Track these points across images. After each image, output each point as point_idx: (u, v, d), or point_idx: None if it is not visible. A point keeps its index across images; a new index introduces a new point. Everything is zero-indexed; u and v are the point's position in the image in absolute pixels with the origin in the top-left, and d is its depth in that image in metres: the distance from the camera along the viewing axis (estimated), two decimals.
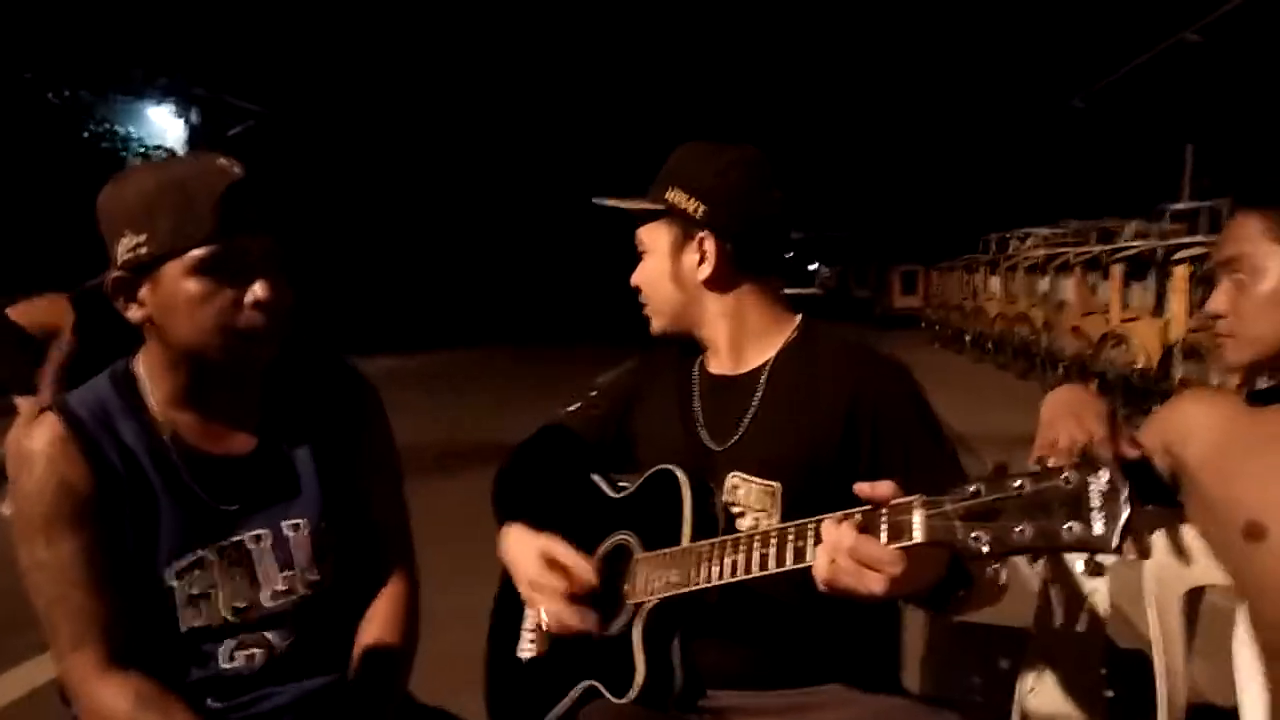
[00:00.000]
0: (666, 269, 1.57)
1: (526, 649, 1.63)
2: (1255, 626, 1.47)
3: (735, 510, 1.50)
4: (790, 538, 1.26)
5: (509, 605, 1.65)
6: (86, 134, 13.68)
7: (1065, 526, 0.96)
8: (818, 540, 1.20)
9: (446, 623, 1.68)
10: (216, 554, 1.36)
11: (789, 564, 1.25)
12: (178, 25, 14.72)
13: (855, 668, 1.51)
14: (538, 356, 13.90)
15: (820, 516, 1.22)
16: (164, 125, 16.22)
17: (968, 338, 15.26)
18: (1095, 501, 0.95)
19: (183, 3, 14.79)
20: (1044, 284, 11.94)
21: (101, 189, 1.31)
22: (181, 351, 1.32)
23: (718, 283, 1.56)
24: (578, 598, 1.46)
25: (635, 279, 1.61)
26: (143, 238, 1.25)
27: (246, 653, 1.38)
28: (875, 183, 43.78)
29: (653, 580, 1.43)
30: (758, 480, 1.50)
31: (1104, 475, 0.96)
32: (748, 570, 1.30)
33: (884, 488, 1.16)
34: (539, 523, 1.59)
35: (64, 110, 13.31)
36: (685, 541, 1.42)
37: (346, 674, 1.44)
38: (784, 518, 1.46)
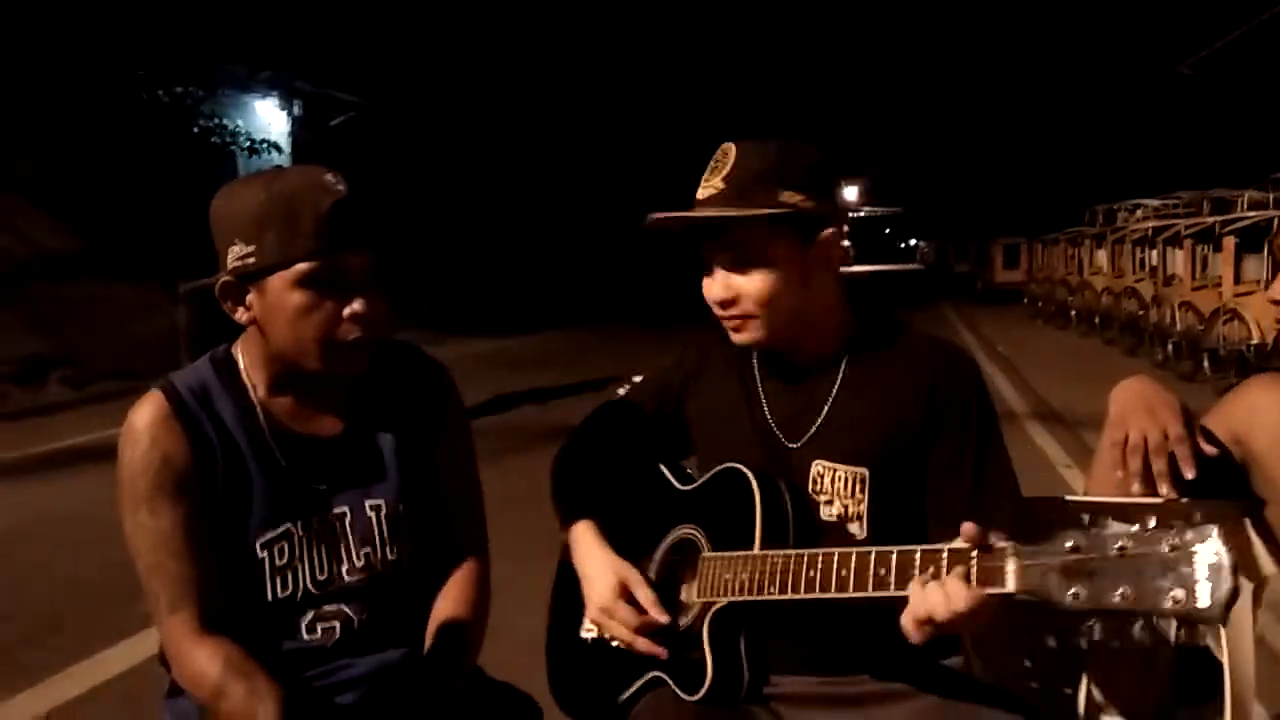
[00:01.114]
0: (794, 277, 1.46)
1: (589, 629, 1.64)
2: None
3: (822, 499, 1.48)
4: (872, 565, 1.25)
5: (570, 584, 1.65)
6: (196, 129, 14.22)
7: (1169, 594, 0.95)
8: (900, 571, 1.22)
9: (519, 600, 1.73)
10: (303, 529, 1.44)
11: (870, 591, 1.25)
12: (281, 20, 15.16)
13: (912, 654, 1.49)
14: (619, 337, 13.96)
15: (902, 548, 1.23)
16: (269, 118, 16.75)
17: (1073, 313, 14.79)
18: (1201, 571, 0.93)
19: None
20: (1153, 257, 11.49)
21: (215, 194, 1.40)
22: (280, 353, 1.40)
23: (832, 279, 1.52)
24: (644, 629, 1.47)
25: (746, 292, 1.45)
26: (251, 249, 1.33)
27: (326, 624, 1.46)
28: (978, 154, 42.63)
29: (722, 581, 1.42)
30: (844, 467, 1.48)
31: (1210, 544, 0.94)
32: (825, 589, 1.29)
33: (973, 529, 1.16)
34: (602, 510, 1.61)
35: (174, 106, 13.86)
36: (757, 546, 1.40)
37: (419, 648, 1.51)
38: (871, 503, 1.47)
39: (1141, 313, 11.29)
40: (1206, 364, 8.75)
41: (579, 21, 24.77)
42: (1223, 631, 1.49)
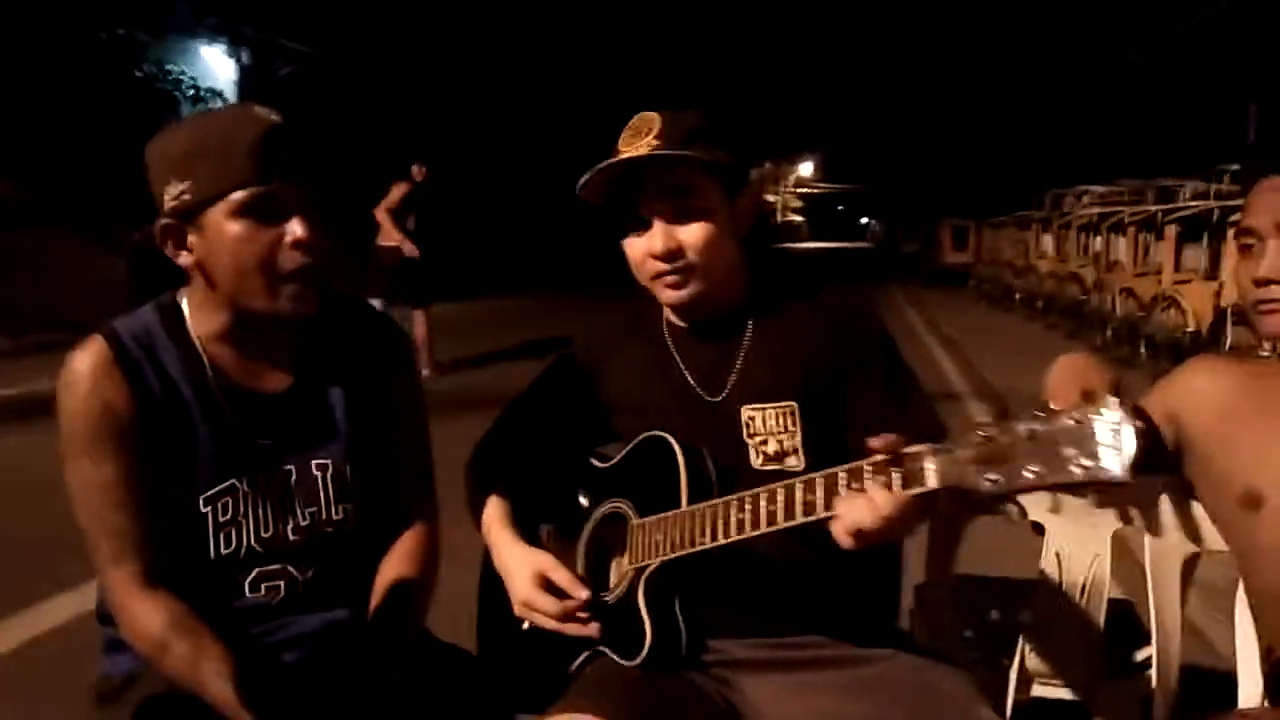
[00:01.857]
0: (727, 228, 1.53)
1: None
2: (1249, 593, 1.48)
3: (756, 440, 1.52)
4: (799, 493, 1.27)
5: (496, 580, 1.66)
6: (140, 74, 13.82)
7: (1076, 463, 0.98)
8: (826, 494, 1.23)
9: (468, 564, 1.73)
10: (248, 485, 1.42)
11: (799, 519, 1.27)
12: None
13: (854, 617, 1.53)
14: (563, 304, 13.91)
15: (824, 472, 1.25)
16: (216, 65, 16.33)
17: (1018, 296, 15.04)
18: (1103, 438, 0.97)
19: None
20: (1097, 243, 11.70)
21: (150, 141, 1.36)
22: (226, 295, 1.37)
23: (741, 241, 1.58)
24: (568, 613, 1.49)
25: (687, 243, 1.49)
26: (186, 184, 1.31)
27: (270, 583, 1.44)
28: (931, 135, 42.99)
29: (653, 543, 1.44)
30: (772, 405, 1.52)
31: (1109, 412, 0.98)
32: (755, 527, 1.31)
33: (891, 438, 1.19)
34: (520, 504, 1.63)
35: (117, 49, 13.43)
36: (684, 503, 1.42)
37: (365, 608, 1.50)
38: (805, 433, 1.51)
39: (1084, 298, 11.51)
40: (1144, 350, 8.96)
41: None
42: (1151, 597, 1.55)
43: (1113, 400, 0.98)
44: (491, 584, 1.66)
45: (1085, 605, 1.65)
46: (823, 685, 1.45)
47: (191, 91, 14.57)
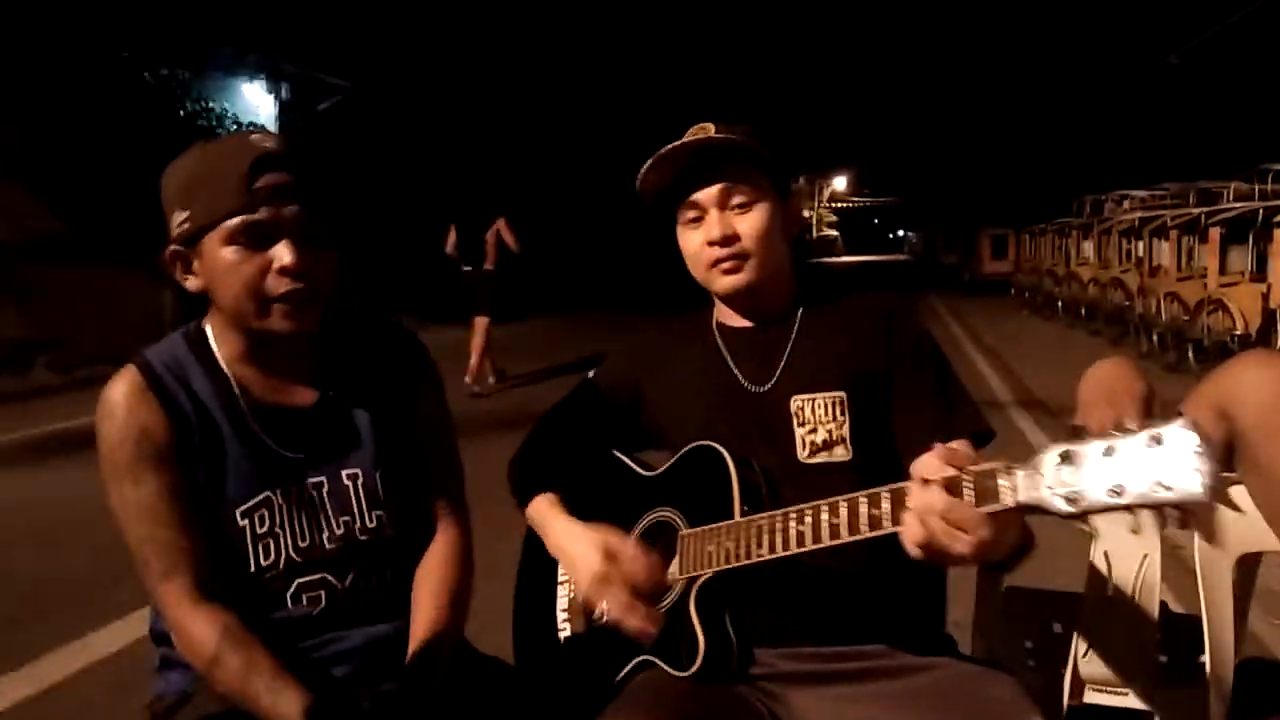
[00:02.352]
0: (779, 222, 1.60)
1: (564, 628, 1.65)
2: None
3: (805, 430, 1.53)
4: (862, 506, 1.25)
5: (537, 583, 1.67)
6: (183, 112, 14.14)
7: (1157, 483, 0.98)
8: (894, 507, 1.21)
9: (506, 576, 1.73)
10: (282, 497, 1.46)
11: (864, 533, 1.24)
12: (269, 2, 15.07)
13: (902, 626, 1.52)
14: (592, 324, 13.95)
15: (890, 486, 1.23)
16: (256, 101, 16.66)
17: (1059, 303, 14.87)
18: (1183, 458, 0.97)
19: None
20: (1139, 248, 11.56)
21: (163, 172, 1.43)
22: (230, 318, 1.42)
23: (790, 244, 1.64)
24: (640, 595, 1.47)
25: (744, 230, 1.56)
26: (187, 214, 1.37)
27: (311, 593, 1.47)
28: (967, 145, 42.72)
29: (705, 554, 1.44)
30: (821, 394, 1.54)
31: (1191, 432, 0.97)
32: (817, 540, 1.29)
33: (960, 449, 1.18)
34: (567, 501, 1.63)
35: (161, 89, 13.76)
36: (737, 514, 1.42)
37: (406, 621, 1.52)
38: (853, 423, 1.52)
39: (1127, 304, 11.36)
40: (1191, 354, 8.81)
41: (568, 7, 24.65)
42: (1201, 599, 1.51)
43: (1187, 420, 0.98)
44: (529, 593, 1.67)
45: (1137, 608, 1.62)
46: (869, 696, 1.43)
47: (235, 127, 14.89)
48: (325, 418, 1.50)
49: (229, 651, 1.36)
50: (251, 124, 15.18)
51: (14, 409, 8.69)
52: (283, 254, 1.36)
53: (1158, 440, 0.98)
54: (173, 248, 1.41)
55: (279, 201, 1.35)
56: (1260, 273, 8.24)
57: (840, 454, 1.52)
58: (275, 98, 17.11)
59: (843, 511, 1.27)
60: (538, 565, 1.71)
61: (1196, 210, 10.08)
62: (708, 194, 1.57)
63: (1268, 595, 1.78)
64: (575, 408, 1.76)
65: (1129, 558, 1.62)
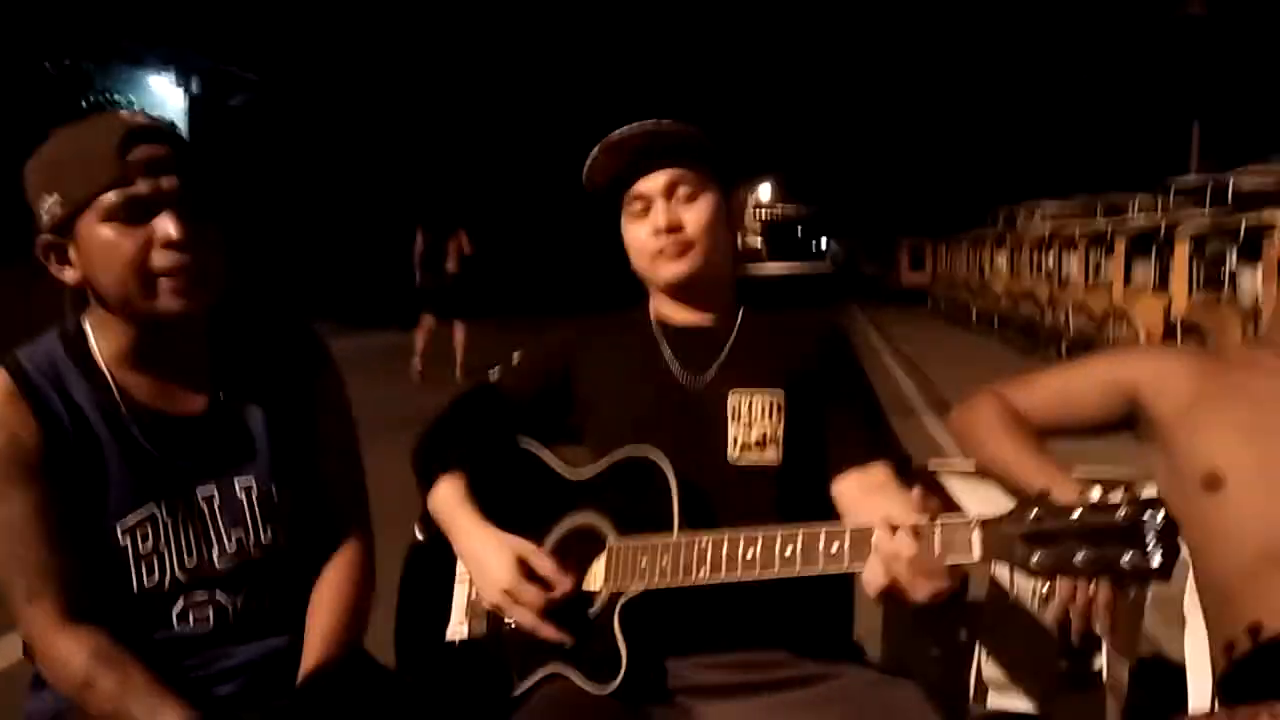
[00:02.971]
0: (724, 215, 1.60)
1: (459, 629, 1.60)
2: (1204, 579, 1.49)
3: (740, 423, 1.52)
4: (821, 542, 1.27)
5: (428, 575, 1.63)
6: (86, 103, 13.63)
7: (1123, 556, 1.03)
8: (854, 546, 1.24)
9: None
10: (167, 511, 1.37)
11: (821, 566, 1.26)
12: None
13: (809, 634, 1.51)
14: (516, 328, 13.89)
15: (854, 525, 1.26)
16: (164, 95, 16.15)
17: (974, 314, 15.23)
18: (1150, 537, 1.03)
19: None
20: (1050, 260, 11.89)
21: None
22: (114, 305, 1.32)
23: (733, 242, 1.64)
24: (554, 606, 1.45)
25: (689, 219, 1.55)
26: (55, 197, 1.28)
27: (199, 613, 1.39)
28: (886, 154, 43.54)
29: (638, 569, 1.40)
30: (760, 390, 1.53)
31: (1159, 514, 1.03)
32: (766, 569, 1.29)
33: (931, 500, 1.23)
34: (479, 495, 1.58)
35: (63, 80, 13.26)
36: (675, 530, 1.38)
37: (299, 636, 1.45)
38: (787, 427, 1.52)
39: (1038, 314, 11.68)
40: None
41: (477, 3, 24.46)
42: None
43: (1159, 502, 1.04)
44: (415, 593, 1.62)
45: (1036, 613, 1.64)
46: (780, 706, 1.42)
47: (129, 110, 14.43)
48: (216, 423, 1.41)
49: (101, 673, 1.28)
50: (160, 118, 14.72)
51: None
52: (166, 226, 1.27)
53: (1128, 518, 1.04)
54: (44, 237, 1.31)
55: (156, 173, 1.27)
56: (1163, 285, 8.53)
57: (770, 456, 1.51)
58: (185, 91, 16.60)
59: (798, 543, 1.27)
60: (430, 556, 1.65)
61: (1104, 222, 10.42)
62: (654, 183, 1.56)
63: (1161, 597, 1.82)
64: (496, 388, 1.70)
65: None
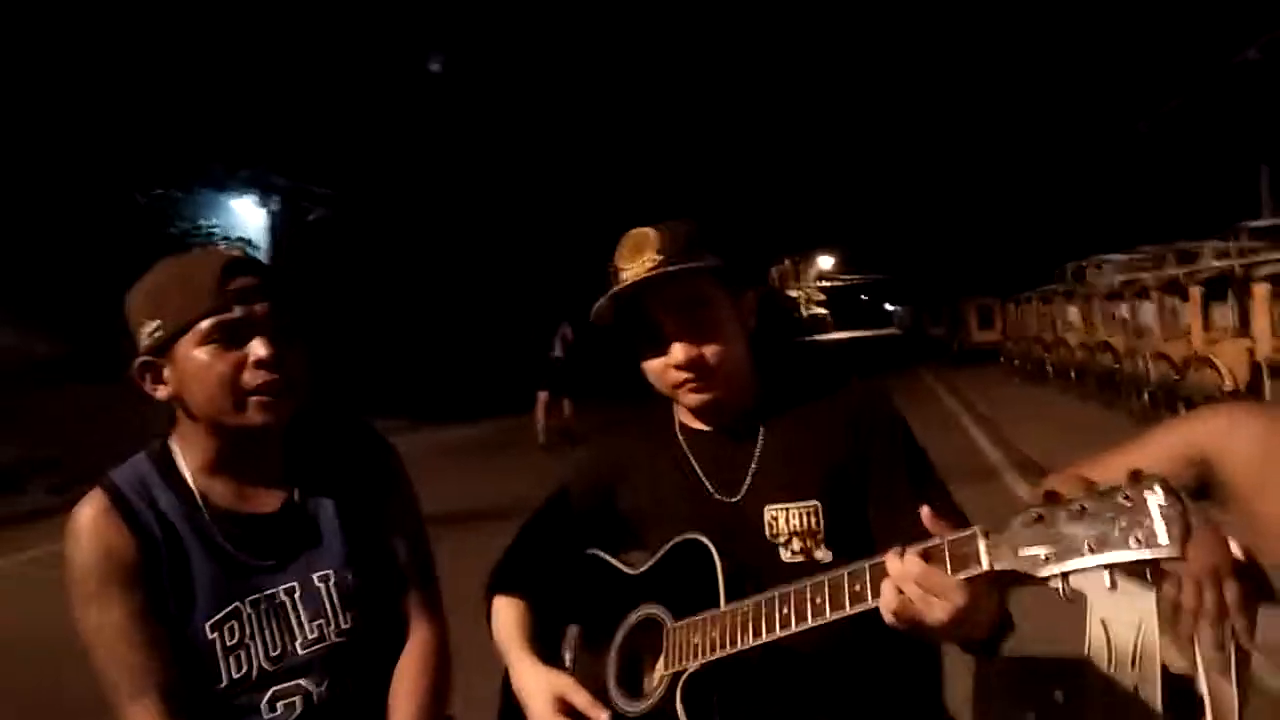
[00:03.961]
0: (738, 327, 1.56)
1: None
2: None
3: (780, 541, 1.51)
4: (845, 583, 1.25)
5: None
6: (174, 230, 14.31)
7: (1129, 539, 1.01)
8: (875, 582, 1.22)
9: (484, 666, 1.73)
10: (251, 606, 1.46)
11: (847, 608, 1.24)
12: (257, 118, 15.36)
13: (899, 711, 1.51)
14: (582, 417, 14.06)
15: (872, 559, 1.24)
16: (246, 215, 16.87)
17: (1049, 369, 14.94)
18: (1156, 514, 1.00)
19: (261, 98, 15.48)
20: (1123, 310, 11.68)
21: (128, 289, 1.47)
22: (205, 421, 1.44)
23: (747, 339, 1.60)
24: None
25: (707, 350, 1.51)
26: (157, 323, 1.41)
27: (285, 701, 1.47)
28: (946, 220, 43.37)
29: (691, 646, 1.41)
30: (795, 504, 1.51)
31: (1159, 489, 1.01)
32: (802, 621, 1.28)
33: (939, 521, 1.19)
34: (543, 617, 1.63)
35: (152, 208, 13.95)
36: (722, 603, 1.39)
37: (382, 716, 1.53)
38: (829, 531, 1.50)
39: (1116, 366, 11.43)
40: (1183, 411, 8.85)
41: (536, 111, 25.18)
42: (1198, 660, 1.52)
43: (1157, 479, 1.01)
44: (512, 692, 1.63)
45: (1139, 675, 1.62)
46: None
47: (225, 242, 15.05)
48: (291, 522, 1.52)
49: None
50: (241, 238, 15.34)
51: (11, 531, 8.63)
52: (257, 348, 1.40)
53: (1127, 499, 1.01)
54: (142, 359, 1.43)
55: (250, 300, 1.41)
56: (1243, 328, 8.33)
57: (821, 556, 1.50)
58: (265, 210, 17.33)
59: (825, 590, 1.26)
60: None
61: (1176, 270, 10.24)
62: (668, 322, 1.52)
63: (1273, 649, 1.78)
64: (550, 516, 1.73)
65: (1126, 624, 1.63)
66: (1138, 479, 1.02)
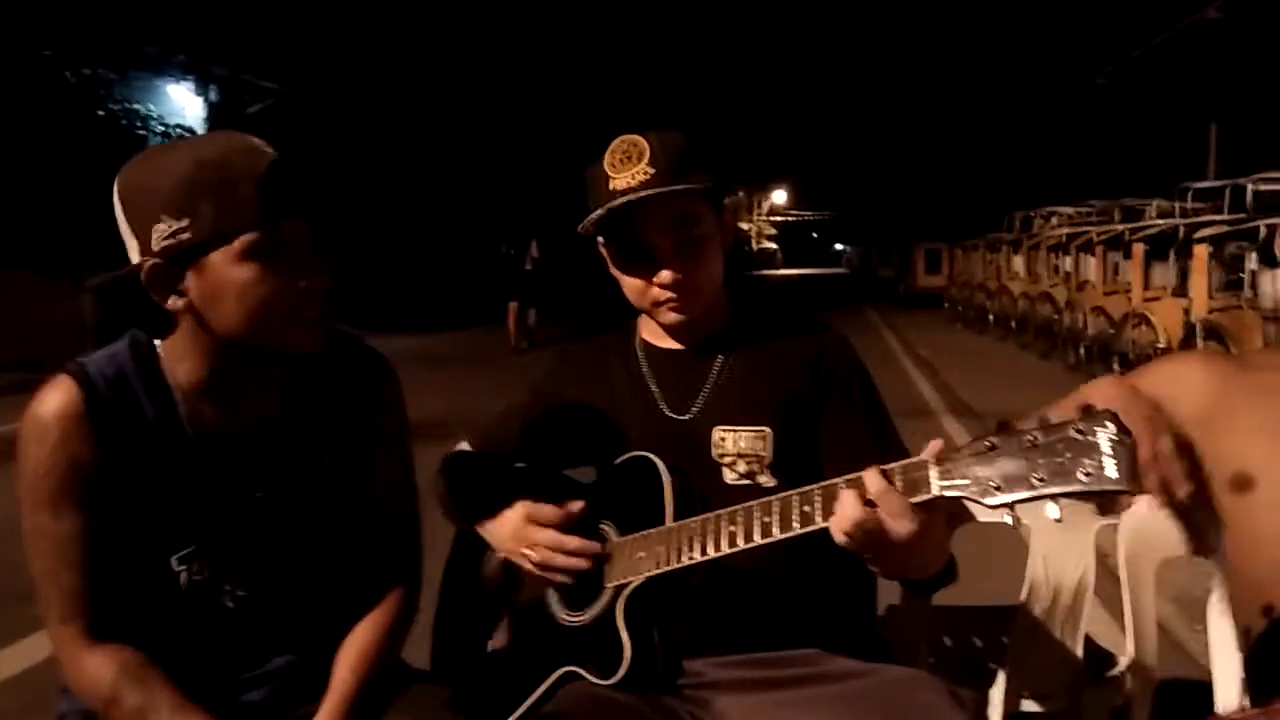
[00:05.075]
0: (720, 248, 1.56)
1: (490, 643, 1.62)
2: (1238, 583, 1.47)
3: (724, 461, 1.51)
4: (795, 504, 1.26)
5: (460, 589, 1.64)
6: (104, 112, 13.73)
7: (1079, 472, 1.02)
8: (825, 502, 1.22)
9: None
10: (225, 536, 1.35)
11: (796, 529, 1.25)
12: (197, 2, 14.75)
13: (833, 631, 1.51)
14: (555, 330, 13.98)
15: (823, 484, 1.24)
16: (183, 103, 16.28)
17: (991, 317, 15.17)
18: (1105, 448, 1.01)
19: None
20: (1067, 263, 11.84)
21: (124, 168, 1.27)
22: (221, 338, 1.29)
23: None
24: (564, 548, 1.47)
25: (696, 268, 1.51)
26: (184, 223, 1.21)
27: (244, 623, 1.38)
28: (900, 162, 43.56)
29: (635, 561, 1.43)
30: (745, 428, 1.52)
31: (1110, 424, 1.02)
32: (749, 539, 1.29)
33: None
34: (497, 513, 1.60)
35: (82, 88, 13.35)
36: (669, 521, 1.41)
37: (334, 648, 1.43)
38: (776, 456, 1.50)
39: (1055, 317, 11.62)
40: (1117, 367, 9.03)
41: (495, 12, 24.57)
42: (1126, 601, 1.53)
43: (1111, 413, 1.02)
44: (451, 604, 1.63)
45: (1070, 611, 1.63)
46: (800, 702, 1.41)
47: (160, 129, 14.51)
48: (278, 449, 1.39)
49: (126, 690, 1.28)
50: (178, 125, 14.80)
51: None
52: (307, 270, 1.27)
53: (1079, 433, 1.02)
54: (155, 262, 1.23)
55: (297, 215, 1.26)
56: (1182, 288, 8.47)
57: (764, 481, 1.51)
58: (204, 100, 16.72)
59: (775, 510, 1.27)
60: (462, 570, 1.68)
61: (1121, 226, 10.36)
62: (659, 240, 1.50)
63: (1189, 600, 1.81)
64: (507, 419, 1.73)
65: (1066, 560, 1.64)
66: (1090, 413, 1.03)
